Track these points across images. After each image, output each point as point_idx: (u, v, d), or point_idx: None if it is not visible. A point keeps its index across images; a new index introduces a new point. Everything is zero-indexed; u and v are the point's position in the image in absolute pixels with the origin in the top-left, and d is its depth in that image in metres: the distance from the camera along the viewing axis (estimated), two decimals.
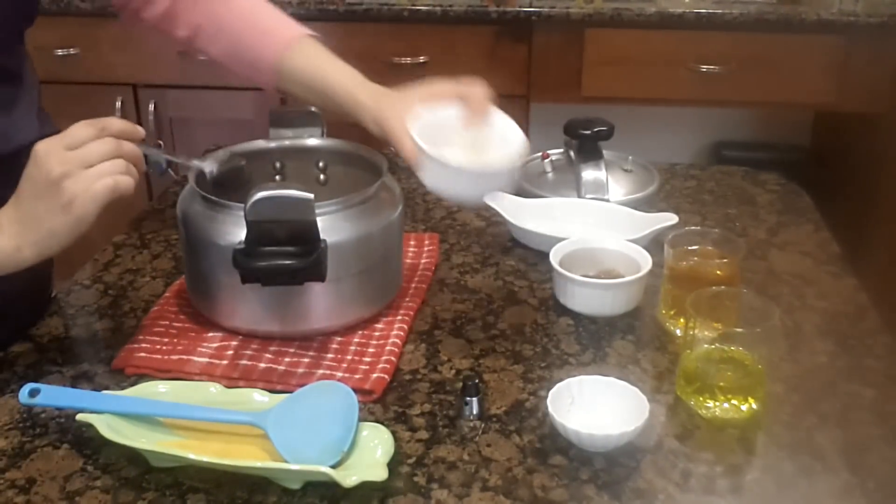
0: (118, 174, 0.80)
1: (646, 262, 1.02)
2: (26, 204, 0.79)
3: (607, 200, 1.26)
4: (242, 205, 0.83)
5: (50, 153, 0.78)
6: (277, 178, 1.08)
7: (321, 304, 0.93)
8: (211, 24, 1.09)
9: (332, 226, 0.89)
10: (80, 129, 0.80)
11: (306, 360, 0.91)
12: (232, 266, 0.84)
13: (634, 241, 1.09)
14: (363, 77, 1.03)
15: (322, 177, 1.09)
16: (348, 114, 1.01)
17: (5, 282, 0.82)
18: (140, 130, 0.85)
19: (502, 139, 0.94)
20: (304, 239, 0.84)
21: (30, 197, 0.79)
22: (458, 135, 0.95)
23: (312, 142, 1.07)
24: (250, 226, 0.83)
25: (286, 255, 0.84)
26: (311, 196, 0.83)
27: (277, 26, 1.08)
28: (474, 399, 0.84)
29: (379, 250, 0.96)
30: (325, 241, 0.85)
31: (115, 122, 0.82)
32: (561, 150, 1.38)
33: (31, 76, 1.03)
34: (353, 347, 0.93)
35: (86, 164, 0.79)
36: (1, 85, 0.97)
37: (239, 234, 0.86)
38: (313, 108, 1.08)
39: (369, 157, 1.03)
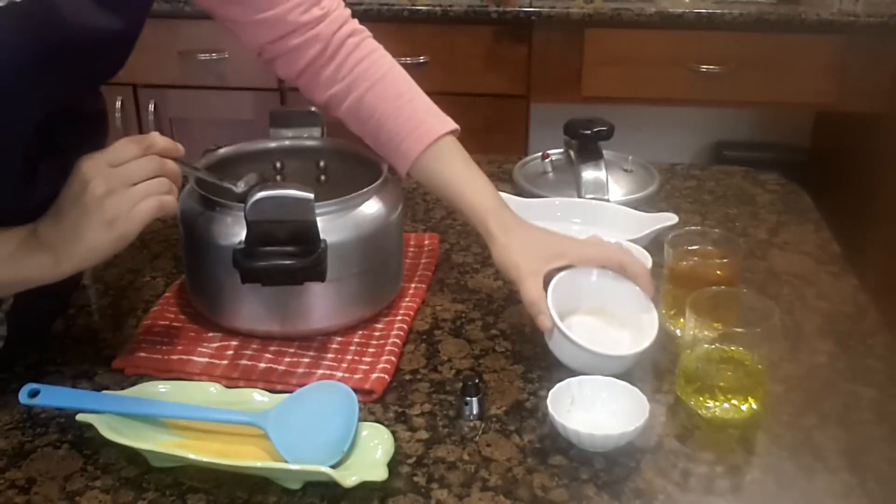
0: (162, 194, 0.80)
1: (646, 261, 1.02)
2: (68, 220, 0.78)
3: (607, 200, 1.26)
4: (242, 205, 0.84)
5: (94, 170, 0.78)
6: (278, 177, 1.08)
7: (321, 304, 0.93)
8: (358, 102, 1.02)
9: (332, 226, 0.89)
10: (125, 147, 0.80)
11: (306, 360, 0.91)
12: (232, 266, 0.84)
13: (634, 241, 1.09)
14: (498, 198, 1.00)
15: (322, 177, 1.09)
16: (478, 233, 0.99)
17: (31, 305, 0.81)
18: (180, 149, 0.84)
19: (635, 315, 0.90)
20: (305, 239, 0.84)
21: (72, 213, 0.78)
22: (588, 296, 0.93)
23: (312, 142, 1.07)
24: (250, 226, 0.83)
25: (286, 255, 0.84)
26: (311, 196, 0.83)
27: (424, 120, 1.02)
28: (474, 399, 0.84)
29: (379, 250, 0.96)
30: (324, 240, 0.85)
31: (159, 140, 0.82)
32: (561, 150, 1.38)
33: (100, 111, 1.00)
34: (353, 347, 0.93)
35: (130, 182, 0.78)
36: (92, 125, 0.95)
37: (239, 234, 0.86)
38: (313, 109, 1.08)
39: (369, 157, 1.03)
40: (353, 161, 1.06)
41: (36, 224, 0.80)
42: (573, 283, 0.93)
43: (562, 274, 0.93)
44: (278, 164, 1.08)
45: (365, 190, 0.94)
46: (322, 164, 1.08)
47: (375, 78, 1.02)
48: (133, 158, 0.79)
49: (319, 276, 0.85)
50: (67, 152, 0.81)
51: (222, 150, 1.02)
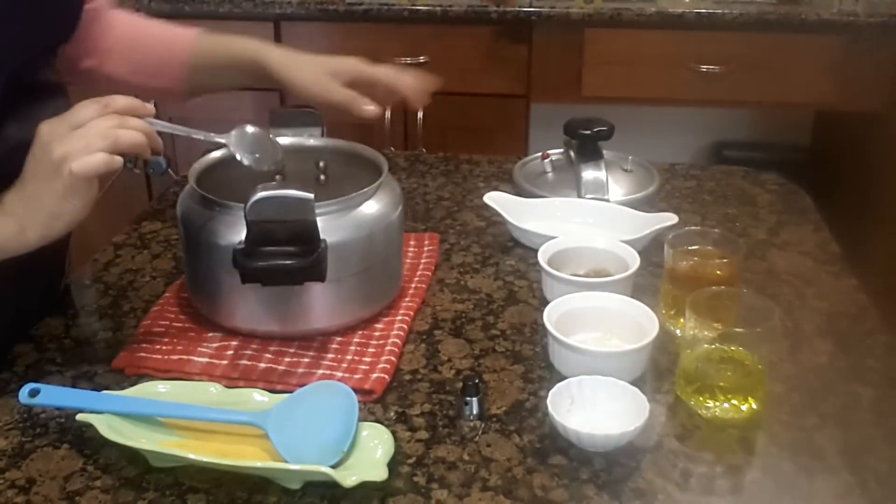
0: (109, 145, 0.78)
1: (634, 261, 1.02)
2: (29, 185, 0.79)
3: (607, 200, 1.26)
4: (242, 205, 0.83)
5: (53, 133, 0.78)
6: (277, 177, 1.07)
7: (321, 304, 0.93)
8: (119, 46, 1.13)
9: (332, 226, 0.89)
10: (84, 108, 0.80)
11: (306, 360, 0.91)
12: (232, 266, 0.84)
13: (634, 241, 1.09)
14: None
15: (322, 177, 1.09)
16: (261, 75, 1.06)
17: (21, 277, 0.81)
18: (149, 107, 0.84)
19: (637, 334, 0.90)
20: (305, 239, 0.84)
21: (32, 178, 0.79)
22: (590, 323, 0.94)
23: (312, 142, 1.07)
24: (250, 226, 0.83)
25: (286, 255, 0.84)
26: (311, 196, 0.83)
27: (177, 32, 1.16)
28: (474, 399, 0.84)
29: (379, 250, 0.96)
30: (324, 240, 0.85)
31: (120, 99, 0.82)
32: (561, 150, 1.38)
33: (57, 91, 1.03)
34: (353, 347, 0.93)
35: (86, 141, 0.78)
36: (52, 99, 0.97)
37: (239, 234, 0.86)
38: (313, 108, 1.08)
39: (369, 157, 1.03)
40: (353, 161, 1.05)
41: (3, 193, 0.80)
42: (573, 304, 0.94)
43: (562, 298, 0.94)
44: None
45: (365, 190, 0.94)
46: (322, 164, 1.08)
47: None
48: (93, 118, 0.79)
49: (319, 276, 0.85)
50: (29, 124, 0.81)
51: (217, 154, 1.02)
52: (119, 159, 0.79)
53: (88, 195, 0.79)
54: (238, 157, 0.93)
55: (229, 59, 1.13)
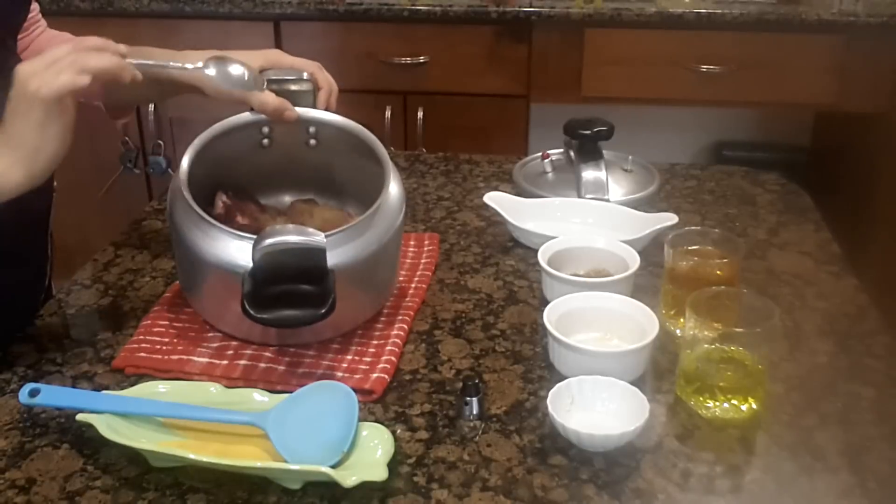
0: (78, 69, 0.81)
1: (634, 261, 1.02)
2: (9, 124, 0.82)
3: (607, 200, 1.26)
4: (231, 230, 0.83)
5: (29, 71, 0.81)
6: (265, 141, 1.04)
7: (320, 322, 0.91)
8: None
9: (335, 245, 0.87)
10: (58, 48, 0.83)
11: (306, 360, 0.91)
12: (227, 283, 0.83)
13: (634, 241, 1.09)
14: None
15: (312, 141, 1.04)
16: (178, 83, 1.03)
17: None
18: (121, 47, 0.87)
19: (637, 333, 0.90)
20: (315, 279, 0.83)
21: (12, 115, 0.81)
22: (590, 323, 0.94)
23: (304, 111, 1.03)
24: (258, 265, 0.82)
25: (295, 299, 0.83)
26: (324, 243, 0.83)
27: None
28: (474, 399, 0.84)
29: (380, 263, 0.95)
30: (333, 272, 0.84)
31: (92, 39, 0.85)
32: (561, 150, 1.38)
33: None
34: (353, 347, 0.93)
35: (56, 70, 0.81)
36: None
37: (230, 251, 0.85)
38: (305, 75, 1.05)
39: (365, 140, 1.00)
40: (344, 134, 1.02)
41: None
42: (573, 304, 0.94)
43: (562, 298, 0.94)
44: (265, 129, 1.03)
45: (369, 212, 0.91)
46: (312, 129, 1.04)
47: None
48: (63, 52, 0.82)
49: (326, 317, 0.84)
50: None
51: (210, 130, 1.00)
52: (86, 78, 0.82)
53: (65, 121, 0.82)
54: (212, 80, 0.96)
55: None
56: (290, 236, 0.83)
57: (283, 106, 0.99)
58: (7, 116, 0.82)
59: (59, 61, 0.82)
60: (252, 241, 0.84)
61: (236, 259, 0.86)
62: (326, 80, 1.06)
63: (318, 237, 0.84)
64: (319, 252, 0.83)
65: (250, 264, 0.84)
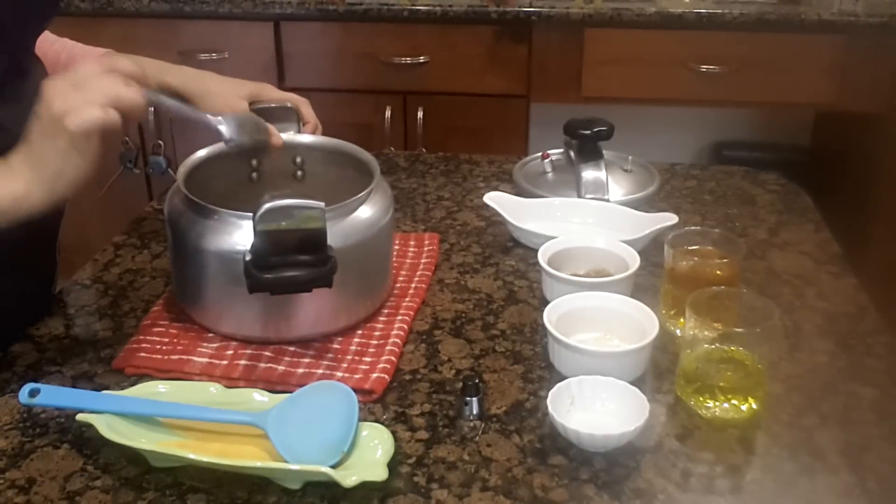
0: (109, 103, 0.78)
1: (634, 261, 1.02)
2: (33, 143, 0.80)
3: (607, 200, 1.26)
4: (233, 211, 0.83)
5: (55, 91, 0.79)
6: (254, 175, 1.07)
7: (316, 310, 0.92)
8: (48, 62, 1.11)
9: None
10: (87, 67, 0.81)
11: (306, 360, 0.91)
12: (222, 272, 0.83)
13: (634, 241, 1.09)
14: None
15: (299, 173, 1.08)
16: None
17: (8, 280, 0.81)
18: (151, 79, 0.87)
19: (637, 333, 0.90)
20: (315, 247, 0.84)
21: (36, 135, 0.79)
22: (590, 323, 0.94)
23: (288, 137, 1.06)
24: (259, 235, 0.82)
25: (297, 264, 0.83)
26: (322, 204, 0.83)
27: (88, 50, 1.16)
28: (474, 399, 0.84)
29: (372, 252, 0.95)
30: (332, 247, 0.85)
31: (123, 62, 0.83)
32: (561, 150, 1.38)
33: (40, 71, 1.04)
34: (353, 347, 0.93)
35: (86, 98, 0.78)
36: (18, 79, 0.97)
37: (228, 239, 0.85)
38: (288, 105, 1.09)
39: (346, 151, 1.03)
40: (329, 156, 1.05)
41: (10, 155, 0.81)
42: (573, 304, 0.94)
43: (562, 298, 0.94)
44: (254, 162, 1.06)
45: (359, 195, 0.93)
46: (299, 160, 1.07)
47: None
48: (95, 76, 0.80)
49: (328, 283, 0.85)
50: (20, 105, 0.82)
51: (198, 154, 1.01)
52: (116, 116, 0.79)
53: (89, 152, 0.79)
54: (227, 136, 0.95)
55: None
56: (289, 199, 0.83)
57: (270, 131, 1.00)
58: (33, 133, 0.80)
59: (88, 85, 0.79)
60: (251, 219, 0.85)
61: (236, 245, 0.86)
62: (312, 116, 1.09)
63: (316, 202, 0.84)
64: (318, 213, 0.83)
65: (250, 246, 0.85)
